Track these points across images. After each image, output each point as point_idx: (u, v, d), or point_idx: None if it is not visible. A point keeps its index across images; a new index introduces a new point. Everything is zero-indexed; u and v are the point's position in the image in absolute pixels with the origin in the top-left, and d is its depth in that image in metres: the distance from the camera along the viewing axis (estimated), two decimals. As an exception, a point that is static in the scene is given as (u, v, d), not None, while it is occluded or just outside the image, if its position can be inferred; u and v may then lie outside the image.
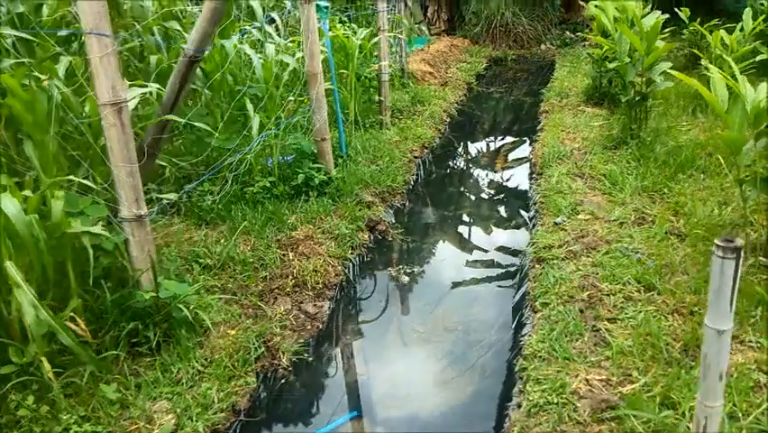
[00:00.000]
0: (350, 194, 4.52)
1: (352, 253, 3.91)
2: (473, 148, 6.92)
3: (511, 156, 6.34)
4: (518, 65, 11.56)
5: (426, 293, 3.71)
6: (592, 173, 4.77)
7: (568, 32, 12.56)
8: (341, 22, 7.03)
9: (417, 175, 5.54)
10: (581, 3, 7.75)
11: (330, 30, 6.09)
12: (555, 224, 3.91)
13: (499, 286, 3.73)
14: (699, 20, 7.36)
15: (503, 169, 5.97)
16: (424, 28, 13.00)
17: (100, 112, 2.67)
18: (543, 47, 12.44)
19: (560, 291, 3.03)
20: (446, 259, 4.18)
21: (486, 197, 5.38)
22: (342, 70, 6.07)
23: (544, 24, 12.64)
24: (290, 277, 3.46)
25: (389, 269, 3.95)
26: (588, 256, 3.37)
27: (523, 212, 4.83)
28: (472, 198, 5.40)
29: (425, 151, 6.11)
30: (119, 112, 2.67)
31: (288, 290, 3.36)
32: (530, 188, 5.08)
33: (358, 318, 3.44)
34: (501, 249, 4.28)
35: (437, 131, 6.88)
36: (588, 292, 2.98)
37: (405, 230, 4.51)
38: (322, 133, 4.67)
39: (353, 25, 6.91)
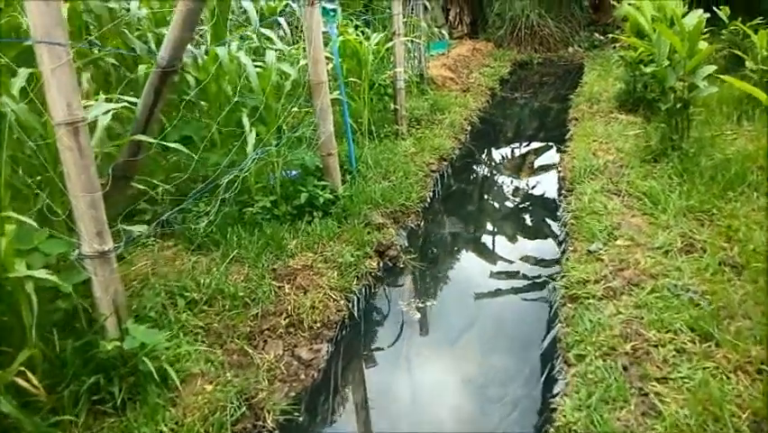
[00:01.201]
0: (358, 215, 4.08)
1: (357, 285, 3.47)
2: (496, 159, 6.44)
3: (537, 169, 5.85)
4: (544, 69, 11.03)
5: (441, 333, 3.25)
6: (630, 190, 4.26)
7: (597, 34, 11.98)
8: (357, 26, 6.62)
9: (434, 191, 5.08)
10: (613, 2, 7.19)
11: (341, 35, 5.70)
12: (590, 252, 3.42)
13: (526, 326, 3.24)
14: (740, 19, 6.79)
15: (528, 184, 5.48)
16: (444, 32, 12.57)
17: (55, 133, 2.29)
18: (570, 50, 11.88)
19: (598, 341, 2.55)
20: (464, 290, 3.72)
21: (509, 216, 4.91)
22: (352, 78, 5.65)
23: (572, 26, 12.08)
24: (284, 315, 3.04)
25: (400, 302, 3.51)
26: (630, 295, 2.88)
27: (551, 235, 4.34)
28: (494, 217, 4.93)
29: (444, 163, 5.65)
30: (75, 133, 2.28)
31: (280, 330, 2.94)
32: (559, 206, 4.59)
33: (360, 365, 3.00)
34: (527, 279, 3.79)
35: (457, 141, 6.41)
36: (632, 343, 2.49)
37: (418, 255, 4.06)
38: (328, 147, 4.25)
39: (368, 30, 6.49)
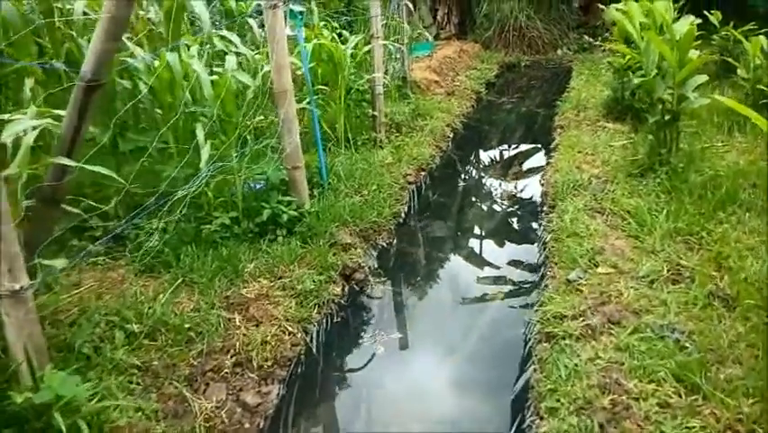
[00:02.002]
0: (324, 234, 3.80)
1: (318, 314, 3.20)
2: (476, 170, 6.16)
3: (519, 181, 5.58)
4: (532, 71, 10.79)
5: (406, 370, 2.99)
6: (614, 209, 4.01)
7: (586, 37, 11.71)
8: (335, 28, 6.33)
9: (410, 206, 4.80)
10: (601, 6, 6.95)
11: (315, 37, 5.41)
12: (569, 281, 3.16)
13: (500, 365, 2.96)
14: (732, 24, 6.57)
15: (509, 198, 5.21)
16: (431, 32, 12.29)
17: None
18: (559, 52, 11.64)
19: (573, 392, 2.29)
20: (436, 321, 3.46)
21: (488, 233, 4.64)
22: (325, 86, 5.38)
23: (561, 28, 11.84)
24: (231, 352, 2.76)
25: (364, 335, 3.23)
26: (610, 335, 2.62)
27: (531, 258, 4.07)
28: (471, 235, 4.66)
29: (422, 174, 5.37)
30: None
31: (225, 371, 2.66)
32: (540, 225, 4.33)
33: (315, 410, 2.72)
34: (504, 309, 3.52)
35: (438, 149, 6.15)
36: (610, 396, 2.23)
37: (389, 278, 3.79)
38: (293, 159, 3.96)
39: (345, 32, 6.21)
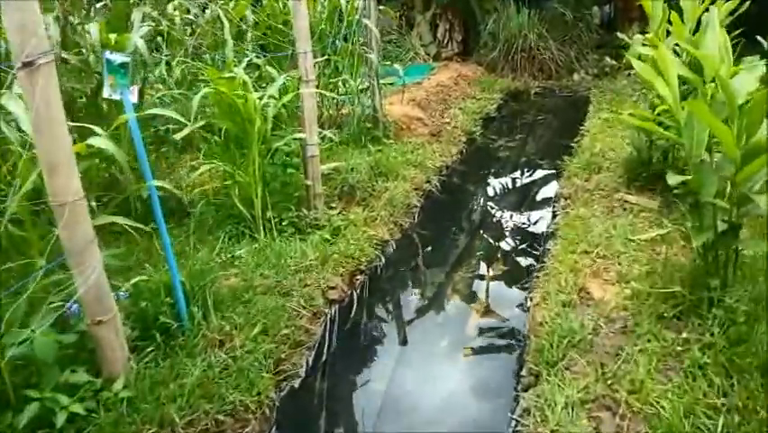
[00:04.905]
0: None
1: None
2: (438, 274, 4.10)
3: (494, 301, 3.70)
4: (542, 101, 9.09)
5: None
6: (635, 404, 2.35)
7: (608, 59, 9.98)
8: (258, 66, 4.76)
9: (308, 362, 2.97)
10: (626, 37, 5.26)
11: (212, 81, 3.85)
12: None
13: None
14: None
15: (471, 352, 3.18)
16: (428, 53, 10.68)
17: None
18: (575, 77, 9.92)
19: None
20: None
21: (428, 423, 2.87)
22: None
23: (578, 49, 10.11)
24: None
25: None
26: None
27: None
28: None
29: (356, 282, 3.74)
30: None
31: None
32: (510, 423, 2.62)
33: None
34: None
35: (395, 229, 4.53)
36: None
37: None
38: (95, 309, 2.39)
39: (273, 70, 4.62)
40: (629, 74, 9.54)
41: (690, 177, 2.61)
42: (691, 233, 2.70)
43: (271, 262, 3.62)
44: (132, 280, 2.88)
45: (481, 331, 3.36)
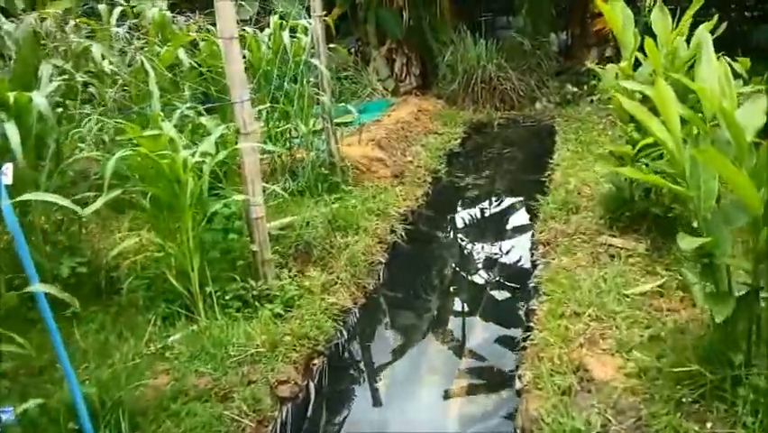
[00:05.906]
0: None
1: None
2: (409, 346, 3.57)
3: (478, 384, 3.15)
4: (506, 132, 8.75)
5: None
6: None
7: (569, 86, 9.76)
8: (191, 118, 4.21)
9: None
10: (598, 67, 4.89)
11: (134, 139, 3.29)
12: None
13: None
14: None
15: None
16: (385, 89, 10.32)
17: None
18: (538, 106, 9.64)
19: None
20: None
21: None
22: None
23: (538, 77, 9.86)
24: None
25: None
26: None
27: None
28: None
29: (313, 368, 3.15)
30: None
31: None
32: None
33: None
34: None
35: (358, 294, 3.99)
36: None
37: None
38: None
39: (207, 122, 4.08)
40: (592, 100, 9.33)
41: (705, 239, 2.14)
42: (707, 303, 2.24)
43: (210, 352, 3.03)
44: (23, 406, 2.26)
45: (464, 424, 2.81)
